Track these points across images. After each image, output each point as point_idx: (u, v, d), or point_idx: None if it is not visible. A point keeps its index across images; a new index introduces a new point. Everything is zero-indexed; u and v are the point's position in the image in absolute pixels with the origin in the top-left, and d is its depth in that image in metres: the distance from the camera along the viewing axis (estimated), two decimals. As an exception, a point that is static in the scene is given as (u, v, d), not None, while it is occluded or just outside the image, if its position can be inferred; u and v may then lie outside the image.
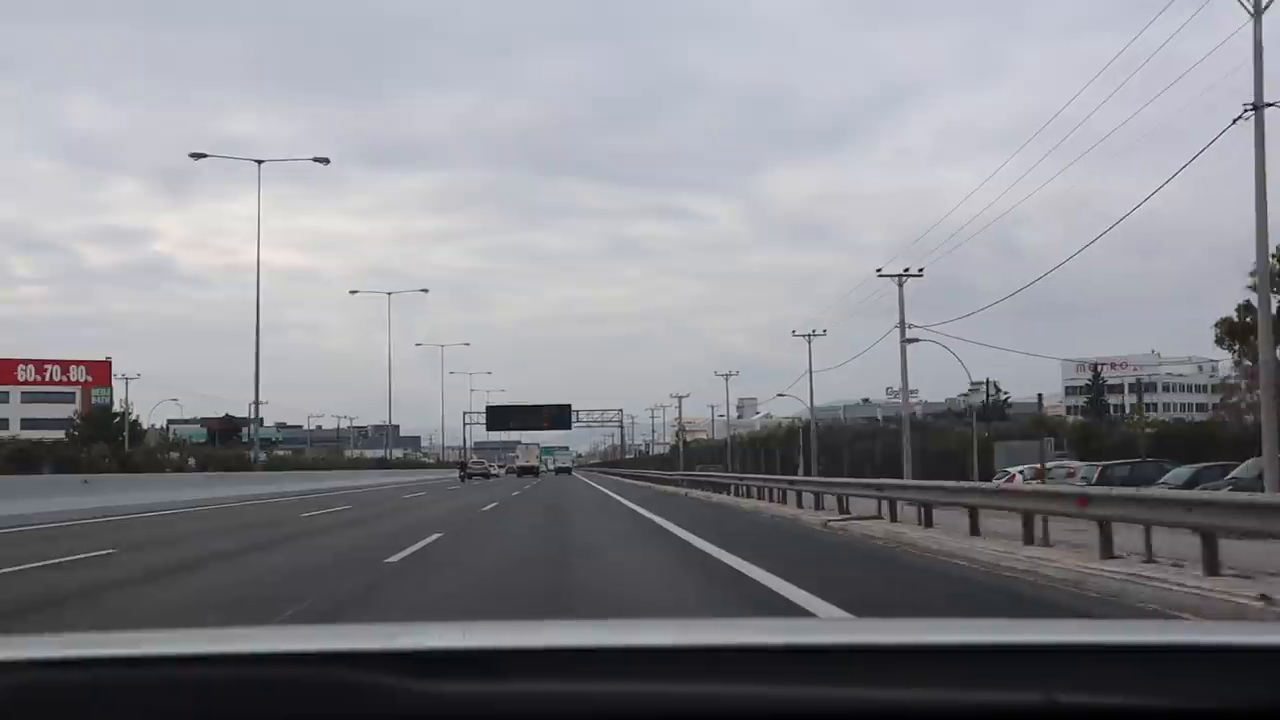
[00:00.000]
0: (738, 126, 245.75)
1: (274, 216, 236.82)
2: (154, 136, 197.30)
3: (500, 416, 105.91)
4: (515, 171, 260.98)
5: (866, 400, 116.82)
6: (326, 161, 47.37)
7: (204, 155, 47.60)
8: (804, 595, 9.87)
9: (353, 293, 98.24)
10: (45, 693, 1.42)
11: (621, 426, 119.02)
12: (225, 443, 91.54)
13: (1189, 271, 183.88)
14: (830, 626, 3.54)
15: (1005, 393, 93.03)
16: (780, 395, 68.09)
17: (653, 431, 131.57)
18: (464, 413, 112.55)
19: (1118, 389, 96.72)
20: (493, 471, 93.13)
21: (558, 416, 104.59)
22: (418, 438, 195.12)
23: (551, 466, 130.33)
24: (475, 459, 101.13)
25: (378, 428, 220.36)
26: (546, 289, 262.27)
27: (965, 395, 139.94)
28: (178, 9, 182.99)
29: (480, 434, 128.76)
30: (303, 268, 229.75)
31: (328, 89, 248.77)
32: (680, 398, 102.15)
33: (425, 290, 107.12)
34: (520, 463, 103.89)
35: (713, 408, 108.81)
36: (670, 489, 49.40)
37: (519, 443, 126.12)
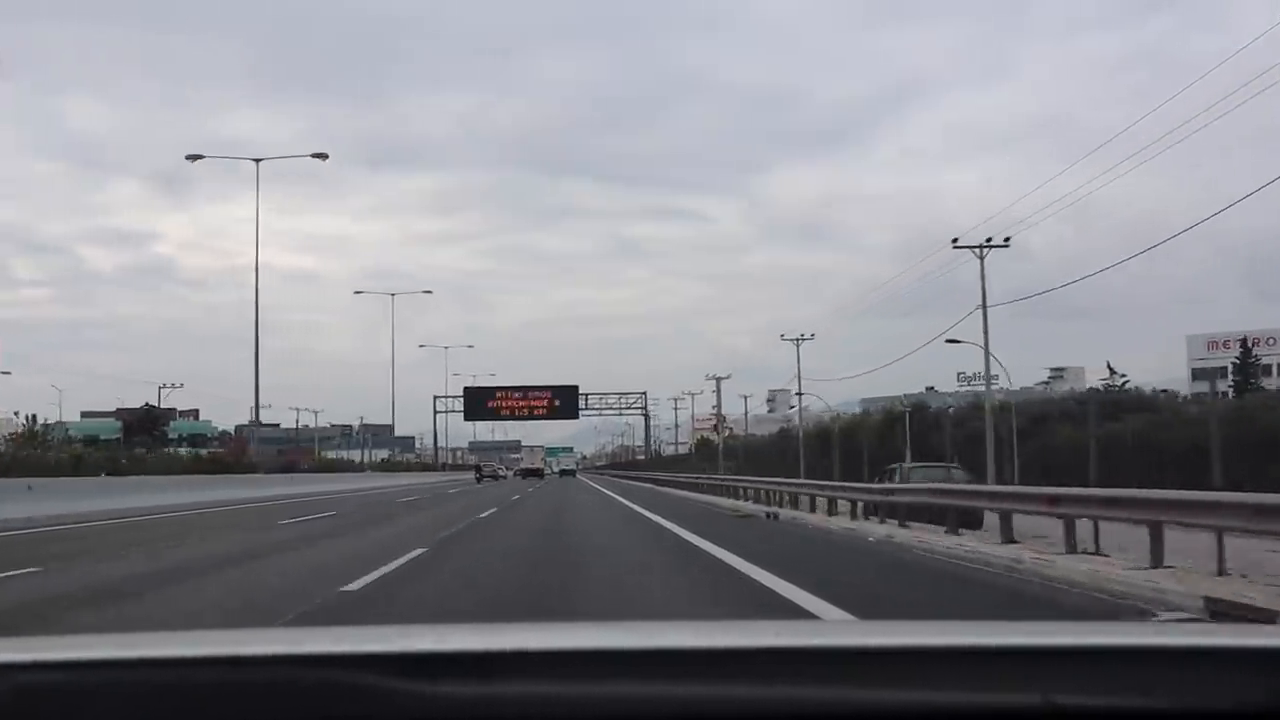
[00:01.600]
0: (742, 127, 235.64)
1: (274, 219, 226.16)
2: (153, 137, 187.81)
3: (482, 402, 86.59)
4: (517, 172, 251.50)
5: (932, 388, 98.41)
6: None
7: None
8: None
9: (191, 158, 54.23)
10: (44, 695, 1.40)
11: (646, 415, 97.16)
12: (133, 439, 72.87)
13: (1191, 274, 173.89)
14: (830, 629, 3.36)
15: (1124, 375, 74.39)
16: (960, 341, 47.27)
17: (676, 426, 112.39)
18: (434, 397, 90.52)
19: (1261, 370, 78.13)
20: (501, 473, 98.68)
21: (561, 403, 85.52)
22: (412, 438, 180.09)
23: (555, 469, 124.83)
24: (485, 463, 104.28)
25: (366, 426, 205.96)
26: (549, 291, 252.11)
27: (1047, 383, 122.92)
28: (176, 9, 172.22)
29: (460, 428, 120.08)
30: (301, 269, 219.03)
31: (328, 90, 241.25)
32: (719, 379, 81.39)
33: (323, 156, 56.04)
34: (525, 465, 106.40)
35: (746, 398, 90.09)
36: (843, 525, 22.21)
37: (520, 442, 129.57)
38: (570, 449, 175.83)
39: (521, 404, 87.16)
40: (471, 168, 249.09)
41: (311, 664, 1.50)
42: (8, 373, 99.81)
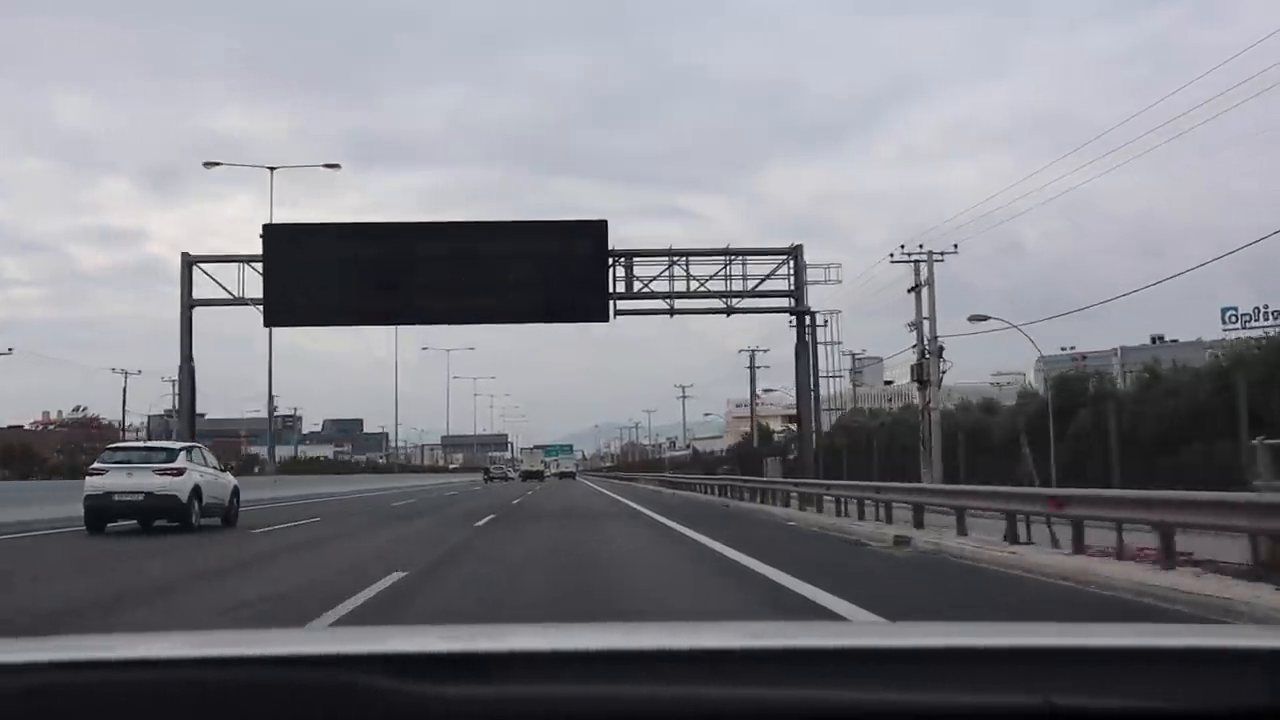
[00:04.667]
0: (738, 125, 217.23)
1: (263, 213, 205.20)
2: (144, 133, 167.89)
3: (341, 273, 29.94)
4: (509, 171, 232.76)
5: (1161, 338, 65.80)
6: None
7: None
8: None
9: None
10: (51, 695, 1.44)
11: (800, 315, 33.02)
12: None
13: (1191, 267, 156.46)
14: (831, 630, 3.32)
15: None
16: None
17: (752, 399, 77.96)
18: (187, 259, 31.89)
19: None
20: (510, 475, 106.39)
21: (567, 279, 30.74)
22: (384, 434, 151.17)
23: (554, 471, 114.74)
24: (494, 465, 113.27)
25: (335, 421, 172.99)
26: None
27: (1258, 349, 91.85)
28: (166, 5, 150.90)
29: (430, 419, 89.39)
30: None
31: (318, 86, 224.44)
32: (920, 284, 33.39)
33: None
34: (524, 467, 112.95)
35: (854, 354, 56.69)
36: None
37: (505, 437, 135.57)
38: (569, 446, 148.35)
39: (460, 283, 29.93)
40: (462, 165, 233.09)
41: (313, 665, 1.50)
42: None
